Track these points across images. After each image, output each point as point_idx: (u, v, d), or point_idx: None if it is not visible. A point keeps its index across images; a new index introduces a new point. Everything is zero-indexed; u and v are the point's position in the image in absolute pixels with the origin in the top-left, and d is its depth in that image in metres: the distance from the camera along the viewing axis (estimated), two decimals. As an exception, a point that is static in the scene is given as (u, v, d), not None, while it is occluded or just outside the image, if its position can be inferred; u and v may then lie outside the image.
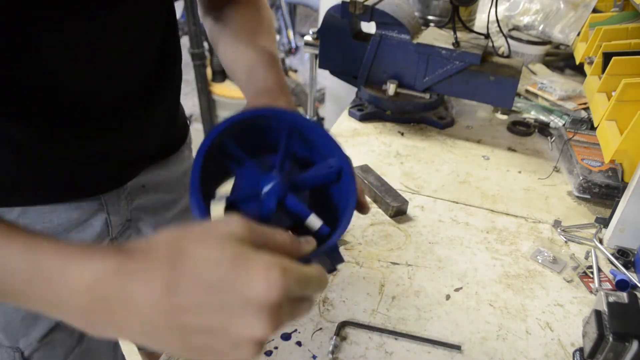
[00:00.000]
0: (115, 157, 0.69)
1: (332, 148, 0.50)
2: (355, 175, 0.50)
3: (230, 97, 2.80)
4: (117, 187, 0.72)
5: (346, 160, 0.49)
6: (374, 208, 0.88)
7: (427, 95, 1.18)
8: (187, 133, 0.85)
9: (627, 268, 0.77)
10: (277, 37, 4.13)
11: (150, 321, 0.36)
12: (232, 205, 0.47)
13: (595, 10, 1.35)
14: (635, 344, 0.54)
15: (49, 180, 0.65)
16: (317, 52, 1.29)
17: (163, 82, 0.71)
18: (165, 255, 0.37)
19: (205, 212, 0.44)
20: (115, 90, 0.63)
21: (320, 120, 2.39)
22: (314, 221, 0.47)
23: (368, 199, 0.90)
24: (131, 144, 0.70)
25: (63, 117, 0.60)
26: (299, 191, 0.49)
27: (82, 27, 0.55)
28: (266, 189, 0.46)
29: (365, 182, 0.91)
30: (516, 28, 1.52)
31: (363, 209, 0.53)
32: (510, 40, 1.46)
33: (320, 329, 0.65)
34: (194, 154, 0.45)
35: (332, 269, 0.48)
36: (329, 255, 0.46)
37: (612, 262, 0.79)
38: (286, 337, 0.64)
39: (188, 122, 0.86)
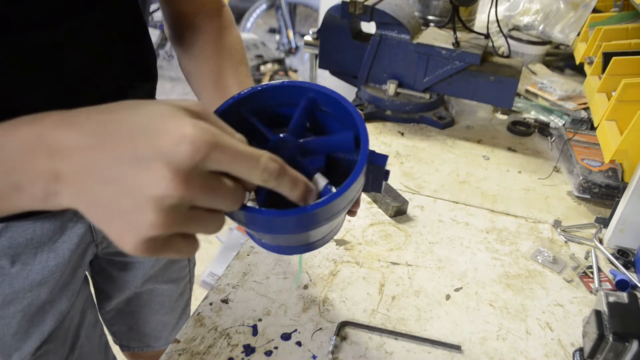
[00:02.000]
0: None
1: (352, 119, 0.45)
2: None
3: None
4: None
5: (364, 130, 0.44)
6: (374, 208, 0.88)
7: (427, 95, 1.18)
8: None
9: (627, 268, 0.77)
10: (277, 37, 4.14)
11: (79, 167, 0.33)
12: None
13: (595, 10, 1.36)
14: (635, 344, 0.54)
15: None
16: (317, 52, 1.29)
17: (134, 88, 0.69)
18: (106, 108, 0.35)
19: None
20: (80, 100, 0.61)
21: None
22: (319, 180, 0.43)
23: (368, 199, 0.90)
24: None
25: None
26: (310, 155, 0.45)
27: (41, 37, 0.54)
28: (275, 144, 0.44)
29: (365, 182, 0.91)
30: (516, 28, 1.52)
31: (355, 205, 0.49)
32: (510, 40, 1.46)
33: (320, 329, 0.65)
34: None
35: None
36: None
37: (612, 262, 0.79)
38: (286, 337, 0.64)
39: None
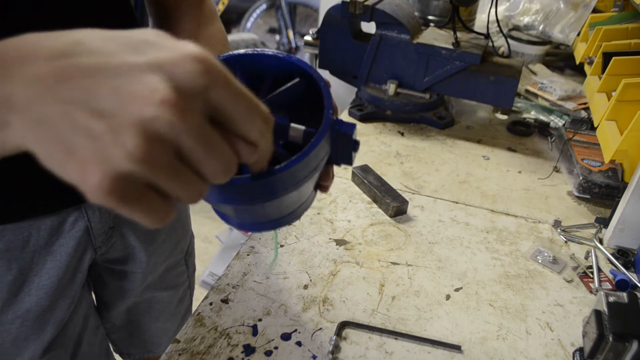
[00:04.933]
0: None
1: (292, 61, 0.44)
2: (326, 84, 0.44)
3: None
4: None
5: (328, 95, 0.43)
6: (374, 208, 0.88)
7: (427, 95, 1.18)
8: None
9: (627, 268, 0.77)
10: (277, 37, 4.13)
11: (38, 88, 0.26)
12: None
13: (595, 10, 1.36)
14: (635, 344, 0.54)
15: (24, 195, 0.63)
16: (317, 52, 1.29)
17: None
18: (76, 32, 0.29)
19: None
20: None
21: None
22: (296, 127, 0.41)
23: (368, 199, 0.90)
24: None
25: None
26: (276, 112, 0.42)
27: (25, 21, 0.52)
28: None
29: (365, 182, 0.91)
30: (516, 28, 1.52)
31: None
32: (510, 40, 1.46)
33: (320, 329, 0.65)
34: None
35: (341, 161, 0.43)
36: (336, 143, 0.41)
37: (612, 262, 0.79)
38: (286, 337, 0.64)
39: None
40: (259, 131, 0.30)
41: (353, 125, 0.43)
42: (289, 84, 0.43)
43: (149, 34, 0.28)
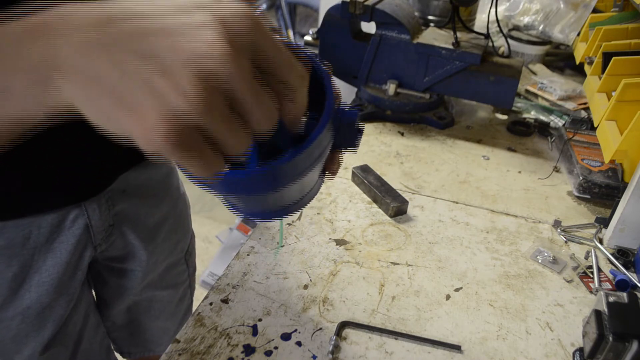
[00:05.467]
0: (90, 164, 0.67)
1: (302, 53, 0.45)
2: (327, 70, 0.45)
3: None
4: (96, 194, 0.70)
5: (329, 84, 0.44)
6: (374, 208, 0.88)
7: (427, 95, 1.18)
8: None
9: (627, 268, 0.77)
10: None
11: (89, 46, 0.28)
12: None
13: (595, 10, 1.36)
14: (635, 344, 0.54)
15: (25, 192, 0.63)
16: (317, 52, 1.29)
17: None
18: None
19: None
20: None
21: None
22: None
23: (368, 199, 0.90)
24: (104, 146, 0.66)
25: None
26: None
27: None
28: None
29: (365, 182, 0.91)
30: (516, 28, 1.52)
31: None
32: (510, 40, 1.46)
33: (320, 329, 0.65)
34: None
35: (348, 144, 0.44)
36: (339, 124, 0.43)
37: (612, 262, 0.79)
38: (286, 337, 0.64)
39: None
40: (297, 81, 0.32)
41: (355, 113, 0.44)
42: None
43: None
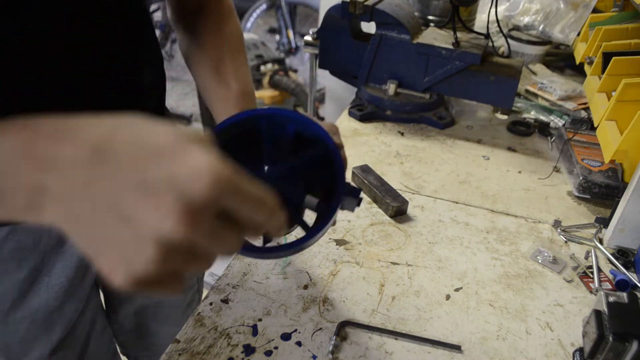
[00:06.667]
0: None
1: (315, 131, 0.51)
2: (341, 154, 0.52)
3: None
4: None
5: (329, 139, 0.51)
6: (374, 208, 0.88)
7: (427, 95, 1.18)
8: None
9: (627, 268, 0.77)
10: (277, 37, 4.13)
11: (71, 185, 0.31)
12: None
13: (595, 10, 1.35)
14: (635, 344, 0.54)
15: None
16: (317, 52, 1.29)
17: (146, 82, 0.70)
18: (111, 121, 0.32)
19: None
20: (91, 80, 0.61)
21: (321, 120, 2.39)
22: (310, 200, 0.50)
23: (368, 199, 0.90)
24: None
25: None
26: (291, 180, 0.51)
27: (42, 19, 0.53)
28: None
29: (365, 182, 0.91)
30: (516, 28, 1.52)
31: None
32: (510, 40, 1.46)
33: (320, 329, 0.65)
34: None
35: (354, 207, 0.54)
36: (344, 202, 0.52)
37: (612, 262, 0.79)
38: (286, 337, 0.64)
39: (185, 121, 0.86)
40: (264, 219, 0.34)
41: (359, 191, 0.53)
42: (309, 155, 0.51)
43: (167, 137, 0.31)
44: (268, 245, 0.52)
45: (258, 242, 0.54)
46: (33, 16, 0.52)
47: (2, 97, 0.54)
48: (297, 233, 0.55)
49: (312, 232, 0.49)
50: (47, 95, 0.58)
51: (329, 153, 0.51)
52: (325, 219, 0.49)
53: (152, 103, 0.74)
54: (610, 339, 0.55)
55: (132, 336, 0.94)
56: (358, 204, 0.53)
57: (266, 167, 0.51)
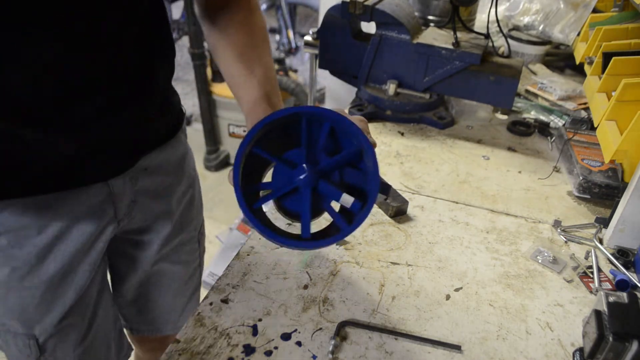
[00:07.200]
0: (118, 144, 0.72)
1: (352, 131, 0.54)
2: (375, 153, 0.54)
3: (230, 97, 2.80)
4: (121, 173, 0.75)
5: (366, 139, 0.53)
6: (374, 208, 0.88)
7: (427, 95, 1.18)
8: (182, 119, 0.88)
9: (627, 268, 0.77)
10: (277, 37, 4.13)
11: None
12: (276, 201, 0.55)
13: (595, 10, 1.35)
14: (635, 344, 0.54)
15: (52, 171, 0.68)
16: (317, 52, 1.29)
17: (154, 71, 0.73)
18: None
19: (247, 207, 0.51)
20: (106, 77, 0.65)
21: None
22: (346, 199, 0.53)
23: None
24: (132, 129, 0.73)
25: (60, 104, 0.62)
26: (329, 176, 0.55)
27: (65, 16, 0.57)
28: (299, 182, 0.53)
29: (365, 182, 0.91)
30: (516, 28, 1.52)
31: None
32: (510, 40, 1.46)
33: (320, 329, 0.65)
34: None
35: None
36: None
37: (612, 262, 0.79)
38: (286, 337, 0.64)
39: (183, 109, 0.89)
40: None
41: (389, 187, 0.58)
42: (345, 152, 0.55)
43: None
44: (295, 239, 0.54)
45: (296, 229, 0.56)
46: (55, 7, 0.55)
47: (16, 86, 0.58)
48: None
49: (350, 228, 0.52)
50: (64, 87, 0.61)
51: (363, 151, 0.54)
52: (361, 215, 0.52)
53: (162, 97, 0.78)
54: (610, 339, 0.55)
55: (134, 308, 0.97)
56: (386, 199, 0.59)
57: (305, 165, 0.53)
